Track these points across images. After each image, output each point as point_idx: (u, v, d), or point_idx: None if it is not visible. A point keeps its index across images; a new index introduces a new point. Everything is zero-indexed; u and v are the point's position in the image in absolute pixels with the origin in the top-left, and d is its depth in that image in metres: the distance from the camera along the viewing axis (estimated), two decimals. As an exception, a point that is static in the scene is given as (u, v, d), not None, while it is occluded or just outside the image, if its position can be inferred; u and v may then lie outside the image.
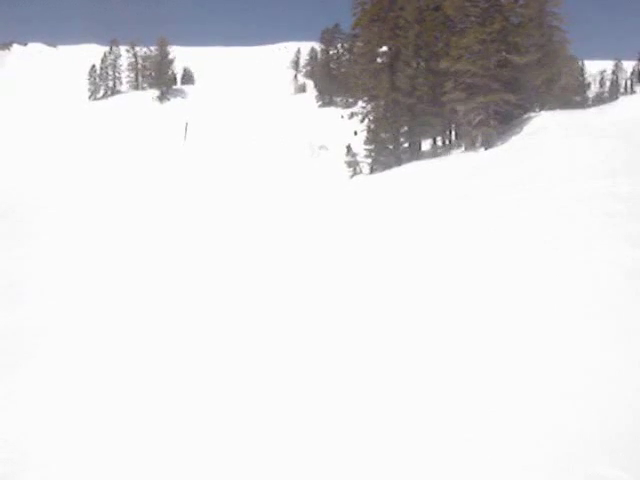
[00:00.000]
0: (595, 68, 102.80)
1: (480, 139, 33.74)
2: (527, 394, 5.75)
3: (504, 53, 32.82)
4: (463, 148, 36.51)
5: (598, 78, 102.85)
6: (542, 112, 34.00)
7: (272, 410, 6.44)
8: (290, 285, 12.61)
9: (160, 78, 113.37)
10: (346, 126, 65.84)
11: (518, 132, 31.02)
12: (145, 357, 9.17)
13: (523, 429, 5.14)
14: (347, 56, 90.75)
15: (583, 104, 57.14)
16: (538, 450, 4.77)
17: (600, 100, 75.69)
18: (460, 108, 33.74)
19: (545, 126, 28.56)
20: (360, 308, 9.68)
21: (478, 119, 32.78)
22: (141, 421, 6.78)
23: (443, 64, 34.70)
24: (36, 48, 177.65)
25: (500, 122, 32.55)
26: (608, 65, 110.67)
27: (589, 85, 69.32)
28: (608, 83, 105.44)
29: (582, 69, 69.71)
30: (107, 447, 6.24)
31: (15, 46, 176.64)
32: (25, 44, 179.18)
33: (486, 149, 31.65)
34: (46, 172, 56.48)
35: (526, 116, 33.45)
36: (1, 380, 8.77)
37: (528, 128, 30.68)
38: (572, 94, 52.46)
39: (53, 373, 8.90)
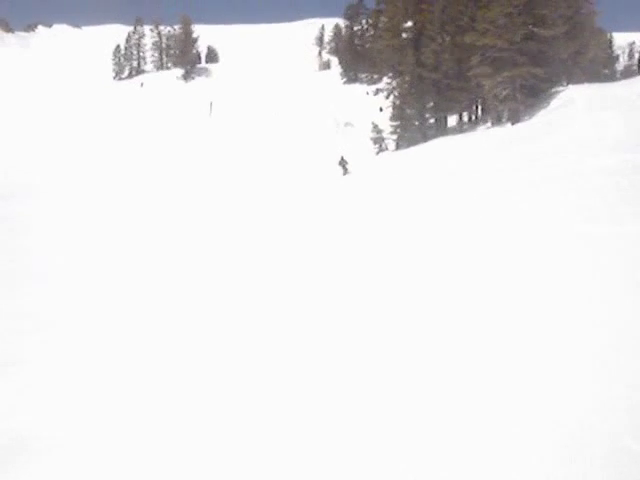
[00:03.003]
0: (624, 40, 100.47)
1: (507, 114, 33.55)
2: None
3: (530, 26, 32.43)
4: (489, 123, 36.32)
5: (627, 50, 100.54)
6: (569, 86, 33.61)
7: (271, 407, 6.56)
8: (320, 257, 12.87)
9: (184, 57, 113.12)
10: (371, 102, 65.46)
11: (545, 106, 30.73)
12: (144, 351, 9.25)
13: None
14: (371, 32, 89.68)
15: (611, 77, 56.34)
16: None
17: (629, 73, 74.34)
18: (486, 83, 33.51)
19: (572, 100, 28.23)
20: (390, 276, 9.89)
21: (504, 94, 32.55)
22: (140, 420, 6.89)
23: (469, 38, 34.42)
24: (61, 29, 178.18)
25: (527, 96, 32.27)
26: (637, 37, 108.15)
27: (617, 58, 68.01)
28: (637, 55, 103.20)
29: (610, 41, 68.41)
30: (106, 442, 6.39)
31: (40, 28, 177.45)
32: (50, 25, 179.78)
33: (513, 124, 31.44)
34: (71, 153, 56.73)
35: (553, 90, 33.12)
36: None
37: (555, 102, 30.37)
38: (600, 67, 51.73)
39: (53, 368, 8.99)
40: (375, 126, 45.36)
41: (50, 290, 14.30)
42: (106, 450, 5.97)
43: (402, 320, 8.09)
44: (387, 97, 47.23)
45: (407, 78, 42.86)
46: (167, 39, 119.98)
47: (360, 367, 6.85)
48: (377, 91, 50.91)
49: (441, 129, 42.32)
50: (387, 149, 44.61)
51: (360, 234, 15.24)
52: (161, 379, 7.85)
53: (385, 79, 50.39)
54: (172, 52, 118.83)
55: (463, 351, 6.51)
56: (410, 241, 12.97)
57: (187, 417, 6.49)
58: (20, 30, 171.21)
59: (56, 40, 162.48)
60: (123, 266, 16.67)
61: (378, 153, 44.44)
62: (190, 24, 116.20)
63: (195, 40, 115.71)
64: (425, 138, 40.98)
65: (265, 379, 7.19)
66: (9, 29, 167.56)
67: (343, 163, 35.91)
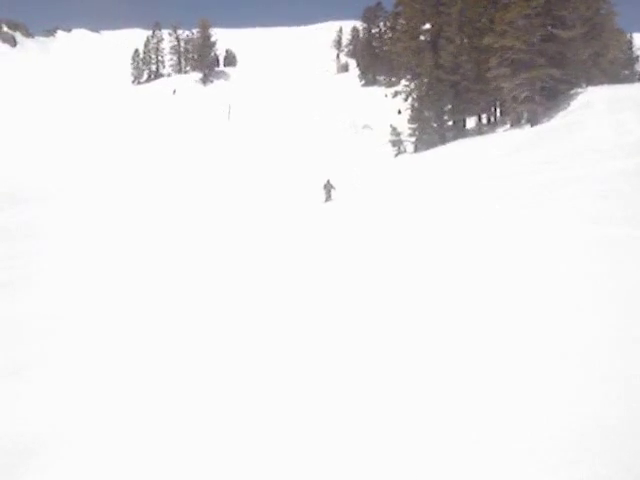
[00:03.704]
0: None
1: (525, 116, 33.45)
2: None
3: (549, 27, 32.32)
4: (508, 125, 36.22)
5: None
6: (589, 87, 33.49)
7: (271, 401, 6.65)
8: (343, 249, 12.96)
9: (202, 60, 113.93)
10: (389, 105, 65.54)
11: (564, 108, 30.63)
12: (145, 354, 9.41)
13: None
14: (389, 34, 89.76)
15: (631, 78, 55.82)
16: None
17: (650, 73, 73.59)
18: (505, 84, 33.44)
19: (591, 101, 28.16)
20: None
21: (523, 95, 32.45)
22: (143, 423, 7.01)
23: (487, 40, 34.39)
24: (80, 34, 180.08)
25: (546, 98, 32.15)
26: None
27: (637, 58, 67.30)
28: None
29: (630, 42, 67.74)
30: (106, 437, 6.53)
31: (59, 32, 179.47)
32: (69, 30, 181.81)
33: (532, 126, 31.36)
34: (89, 156, 57.04)
35: (572, 91, 32.99)
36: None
37: (574, 104, 30.28)
38: (620, 68, 51.34)
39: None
40: (393, 129, 45.38)
41: (55, 295, 14.64)
42: (113, 450, 6.13)
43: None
44: (405, 99, 47.26)
45: (425, 80, 42.86)
46: (185, 43, 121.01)
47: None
48: (395, 93, 50.85)
49: (459, 131, 42.26)
50: (405, 151, 44.59)
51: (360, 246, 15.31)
52: (162, 381, 8.04)
53: (403, 81, 50.42)
54: (190, 56, 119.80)
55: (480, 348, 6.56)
56: (415, 237, 13.04)
57: (190, 417, 6.61)
58: (40, 35, 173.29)
59: (75, 45, 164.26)
60: (129, 272, 16.95)
61: (396, 156, 44.45)
62: (208, 28, 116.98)
63: (213, 44, 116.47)
64: (443, 140, 40.96)
65: (260, 371, 7.34)
66: (29, 34, 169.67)
67: (328, 187, 29.41)
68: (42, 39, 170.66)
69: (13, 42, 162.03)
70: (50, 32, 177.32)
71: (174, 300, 12.84)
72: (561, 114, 29.77)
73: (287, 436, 5.86)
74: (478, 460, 4.63)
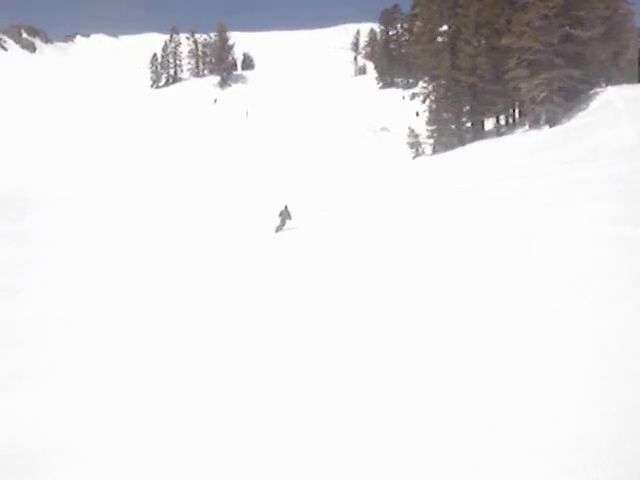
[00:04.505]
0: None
1: (544, 116, 33.25)
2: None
3: (567, 27, 32.10)
4: (527, 126, 36.04)
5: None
6: (608, 87, 33.23)
7: (275, 390, 6.80)
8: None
9: (220, 64, 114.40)
10: (407, 107, 65.52)
11: (584, 108, 30.45)
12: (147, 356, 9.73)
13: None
14: (407, 36, 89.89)
15: (652, 77, 55.30)
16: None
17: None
18: (523, 85, 33.27)
19: (610, 101, 27.95)
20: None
21: (542, 96, 32.27)
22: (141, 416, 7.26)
23: (505, 41, 34.25)
24: (98, 39, 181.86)
25: (565, 98, 31.93)
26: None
27: (658, 57, 66.67)
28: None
29: (651, 40, 67.17)
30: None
31: (78, 37, 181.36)
32: (88, 35, 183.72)
33: (551, 126, 31.20)
34: (108, 160, 57.18)
35: (592, 92, 32.78)
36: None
37: (594, 104, 30.10)
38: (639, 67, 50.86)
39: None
40: (411, 131, 45.37)
41: (63, 299, 14.97)
42: (122, 452, 6.36)
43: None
44: (423, 101, 47.21)
45: (443, 82, 42.82)
46: (203, 46, 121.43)
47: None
48: (413, 95, 50.87)
49: (478, 133, 42.12)
50: (423, 153, 44.57)
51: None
52: (163, 380, 8.31)
53: (421, 83, 50.31)
54: (208, 59, 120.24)
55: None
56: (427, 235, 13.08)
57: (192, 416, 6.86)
58: (59, 41, 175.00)
59: (94, 50, 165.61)
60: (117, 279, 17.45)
61: (414, 158, 44.44)
62: (226, 31, 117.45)
63: (231, 47, 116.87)
64: (462, 142, 40.90)
65: (289, 352, 7.46)
66: (48, 40, 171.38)
67: (285, 215, 25.01)
68: (61, 44, 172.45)
69: (32, 48, 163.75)
70: (69, 37, 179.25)
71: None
72: (580, 114, 29.60)
73: (288, 434, 6.02)
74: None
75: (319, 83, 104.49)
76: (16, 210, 33.41)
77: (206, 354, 9.37)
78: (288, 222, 24.82)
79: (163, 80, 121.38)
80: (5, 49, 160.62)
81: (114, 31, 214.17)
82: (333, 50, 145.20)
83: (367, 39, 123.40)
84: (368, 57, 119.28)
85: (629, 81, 35.34)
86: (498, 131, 41.39)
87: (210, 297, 13.84)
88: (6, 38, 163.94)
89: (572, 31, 31.98)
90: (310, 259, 16.22)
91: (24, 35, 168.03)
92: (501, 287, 8.82)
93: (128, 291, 15.79)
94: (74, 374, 9.30)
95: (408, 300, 9.37)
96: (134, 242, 24.71)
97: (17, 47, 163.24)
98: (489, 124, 44.91)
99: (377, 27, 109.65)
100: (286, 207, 25.06)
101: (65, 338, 11.58)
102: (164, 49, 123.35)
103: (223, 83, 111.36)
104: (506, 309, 7.84)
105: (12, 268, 19.83)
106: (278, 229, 24.73)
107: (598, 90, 32.84)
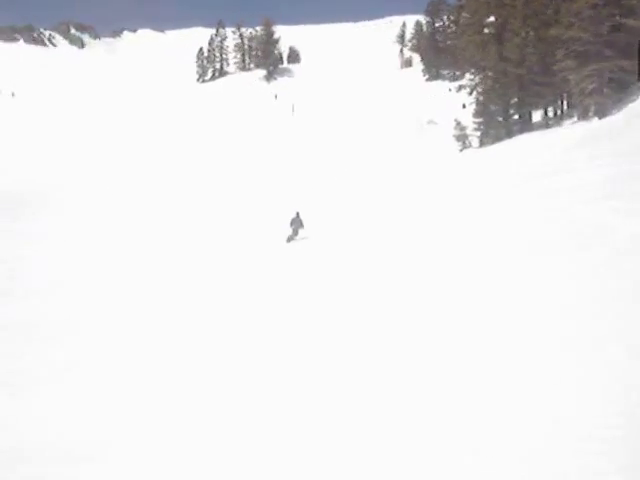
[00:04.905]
0: None
1: (593, 108, 32.72)
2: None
3: (618, 17, 31.48)
4: (575, 118, 35.51)
5: None
6: (660, 78, 32.50)
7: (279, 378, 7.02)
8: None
9: (266, 58, 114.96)
10: (454, 99, 64.97)
11: (634, 100, 29.85)
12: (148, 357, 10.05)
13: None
14: (453, 28, 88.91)
15: None
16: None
17: None
18: (572, 77, 32.77)
19: (663, 92, 27.43)
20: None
21: (591, 87, 31.74)
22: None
23: (553, 32, 33.81)
24: (145, 34, 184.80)
25: (615, 90, 31.38)
26: None
27: None
28: None
29: None
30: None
31: (125, 33, 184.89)
32: (134, 31, 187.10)
33: (599, 118, 30.69)
34: (152, 154, 57.38)
35: (643, 82, 32.12)
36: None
37: (645, 95, 29.54)
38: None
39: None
40: (458, 123, 45.08)
41: (68, 299, 15.31)
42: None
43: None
44: (470, 93, 46.90)
45: (490, 74, 42.44)
46: (249, 40, 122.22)
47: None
48: (460, 88, 50.58)
49: (526, 124, 41.60)
50: (470, 146, 44.26)
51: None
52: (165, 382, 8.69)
53: (468, 75, 49.98)
54: (254, 53, 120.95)
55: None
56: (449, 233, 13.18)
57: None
58: (106, 36, 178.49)
59: (141, 45, 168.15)
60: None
61: (461, 150, 44.19)
62: (272, 25, 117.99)
63: (277, 41, 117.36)
64: (509, 134, 40.52)
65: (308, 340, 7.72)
66: (96, 35, 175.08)
67: (297, 223, 23.52)
68: (108, 40, 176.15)
69: (81, 44, 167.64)
70: (116, 33, 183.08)
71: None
72: (630, 106, 29.03)
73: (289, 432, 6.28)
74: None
75: (365, 76, 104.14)
76: (30, 206, 33.85)
77: (213, 360, 9.72)
78: (301, 231, 23.39)
79: (209, 74, 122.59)
80: (55, 45, 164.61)
81: (160, 26, 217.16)
82: (379, 43, 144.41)
83: (413, 31, 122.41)
84: (414, 49, 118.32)
85: (682, 71, 34.36)
86: (546, 123, 40.82)
87: (214, 307, 14.10)
88: (55, 34, 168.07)
89: (623, 20, 31.37)
90: (322, 281, 15.07)
91: (72, 31, 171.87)
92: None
93: (134, 295, 15.92)
94: (85, 376, 9.62)
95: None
96: (140, 244, 24.50)
97: (65, 42, 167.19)
98: (537, 116, 44.31)
99: (423, 19, 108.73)
100: (298, 214, 23.65)
101: (74, 339, 11.88)
102: (210, 43, 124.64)
103: (269, 77, 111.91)
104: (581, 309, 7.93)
105: (12, 268, 19.62)
106: (290, 239, 23.38)
107: (649, 81, 32.15)
